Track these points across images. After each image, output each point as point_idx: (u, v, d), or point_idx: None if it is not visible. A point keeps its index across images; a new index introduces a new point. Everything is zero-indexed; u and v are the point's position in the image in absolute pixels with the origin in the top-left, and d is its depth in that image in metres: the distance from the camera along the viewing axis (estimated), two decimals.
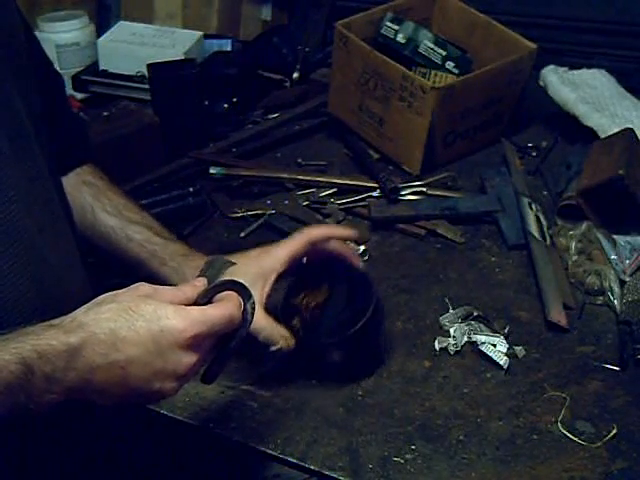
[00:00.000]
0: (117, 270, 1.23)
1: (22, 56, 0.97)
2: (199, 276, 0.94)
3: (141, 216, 1.17)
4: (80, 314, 0.81)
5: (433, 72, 1.64)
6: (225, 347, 0.89)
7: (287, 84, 1.89)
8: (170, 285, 1.09)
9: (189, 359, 0.82)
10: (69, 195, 1.12)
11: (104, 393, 0.80)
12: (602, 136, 1.53)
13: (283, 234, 1.44)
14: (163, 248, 1.13)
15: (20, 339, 0.76)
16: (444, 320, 1.21)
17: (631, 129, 1.45)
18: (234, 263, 1.08)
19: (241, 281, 0.90)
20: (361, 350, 1.11)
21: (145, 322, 0.80)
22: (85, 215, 1.15)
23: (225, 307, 0.85)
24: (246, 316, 0.89)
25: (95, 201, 1.16)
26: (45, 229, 0.92)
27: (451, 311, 1.23)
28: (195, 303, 0.87)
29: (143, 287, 0.84)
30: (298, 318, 1.11)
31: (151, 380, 0.81)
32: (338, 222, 1.45)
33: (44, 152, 0.97)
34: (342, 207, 1.49)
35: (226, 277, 1.05)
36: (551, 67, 1.68)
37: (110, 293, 0.84)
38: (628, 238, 1.31)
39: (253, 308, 0.90)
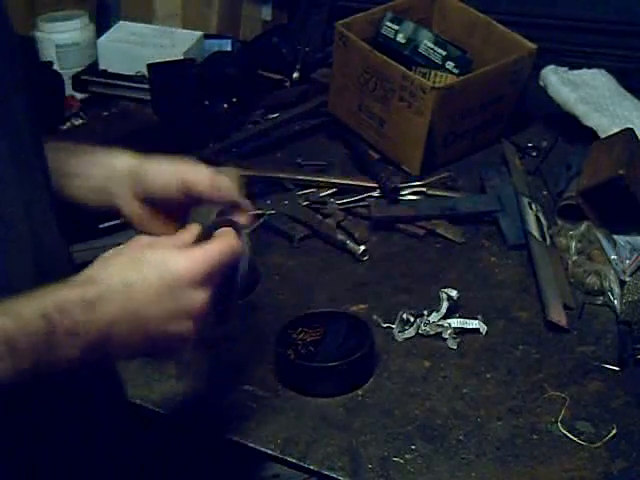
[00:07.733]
0: None
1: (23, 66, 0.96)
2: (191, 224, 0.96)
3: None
4: (90, 271, 0.82)
5: (433, 72, 1.63)
6: (231, 283, 0.91)
7: (287, 84, 1.88)
8: None
9: (201, 296, 0.84)
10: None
11: (124, 345, 0.82)
12: (602, 136, 1.52)
13: (283, 234, 1.44)
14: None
15: (41, 295, 0.78)
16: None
17: (631, 129, 1.45)
18: (221, 208, 1.01)
19: (230, 217, 0.93)
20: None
21: (154, 268, 0.83)
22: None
23: (224, 241, 0.88)
24: (244, 247, 0.91)
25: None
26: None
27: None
28: None
29: (142, 238, 0.87)
30: (292, 350, 1.14)
31: (167, 323, 0.83)
32: (338, 222, 1.45)
33: (44, 168, 0.95)
34: (342, 207, 1.49)
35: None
36: (551, 67, 1.68)
37: (112, 249, 0.86)
38: (628, 238, 1.31)
39: (249, 239, 0.93)
